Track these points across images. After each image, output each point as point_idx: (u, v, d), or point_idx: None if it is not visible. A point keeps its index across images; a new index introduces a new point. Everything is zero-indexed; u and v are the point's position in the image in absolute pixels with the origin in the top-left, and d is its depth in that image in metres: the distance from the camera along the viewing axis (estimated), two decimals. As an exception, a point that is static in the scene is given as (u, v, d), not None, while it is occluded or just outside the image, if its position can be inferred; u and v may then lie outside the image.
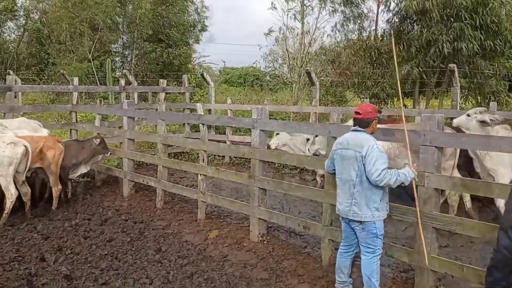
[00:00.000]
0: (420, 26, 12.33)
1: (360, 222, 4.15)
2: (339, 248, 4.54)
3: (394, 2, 13.58)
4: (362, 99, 12.57)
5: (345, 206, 4.21)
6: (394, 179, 4.05)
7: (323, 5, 16.36)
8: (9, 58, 22.77)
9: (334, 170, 4.38)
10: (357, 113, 4.28)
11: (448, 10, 11.72)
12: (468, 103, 13.63)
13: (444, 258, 4.32)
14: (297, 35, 17.27)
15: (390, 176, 4.04)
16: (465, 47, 11.57)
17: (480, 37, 11.58)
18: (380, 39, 14.37)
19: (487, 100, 12.33)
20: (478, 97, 13.23)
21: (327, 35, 16.95)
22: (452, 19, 11.83)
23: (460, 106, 11.27)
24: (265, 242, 5.90)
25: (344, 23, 16.32)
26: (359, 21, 16.15)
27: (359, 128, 4.26)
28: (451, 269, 4.15)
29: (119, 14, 21.08)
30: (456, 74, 9.97)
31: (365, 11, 16.04)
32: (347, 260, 4.45)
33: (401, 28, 13.46)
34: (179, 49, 20.98)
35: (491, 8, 11.50)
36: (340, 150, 4.26)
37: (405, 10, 12.49)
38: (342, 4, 16.09)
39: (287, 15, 16.75)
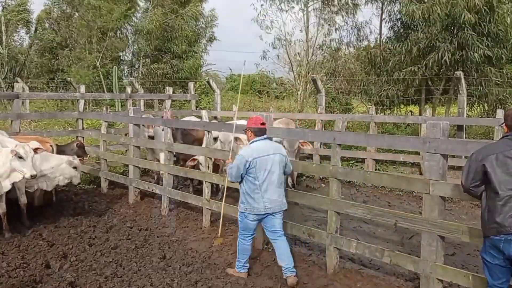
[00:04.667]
0: (422, 32, 12.31)
1: (284, 211, 5.02)
2: (244, 240, 5.03)
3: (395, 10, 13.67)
4: (368, 107, 12.56)
5: (278, 201, 4.92)
6: None
7: (323, 11, 16.43)
8: (17, 67, 22.97)
9: (246, 176, 4.88)
10: (263, 124, 5.01)
11: (451, 20, 11.69)
12: (474, 110, 13.57)
13: (450, 267, 4.28)
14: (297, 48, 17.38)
15: None
16: (469, 55, 11.53)
17: (488, 45, 11.51)
18: (383, 46, 14.38)
19: (493, 107, 12.28)
20: (485, 105, 13.16)
21: (330, 41, 16.97)
22: (454, 28, 11.82)
23: (467, 114, 11.20)
24: (269, 250, 5.87)
25: (346, 32, 16.44)
26: (358, 31, 16.24)
27: (267, 137, 5.05)
28: (457, 278, 4.10)
29: (129, 23, 21.24)
30: (463, 81, 9.90)
31: (367, 18, 16.15)
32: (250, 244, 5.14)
33: (404, 35, 13.47)
34: (187, 61, 20.99)
35: (499, 16, 11.44)
36: (264, 157, 4.84)
37: (408, 16, 12.43)
38: (341, 15, 16.20)
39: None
